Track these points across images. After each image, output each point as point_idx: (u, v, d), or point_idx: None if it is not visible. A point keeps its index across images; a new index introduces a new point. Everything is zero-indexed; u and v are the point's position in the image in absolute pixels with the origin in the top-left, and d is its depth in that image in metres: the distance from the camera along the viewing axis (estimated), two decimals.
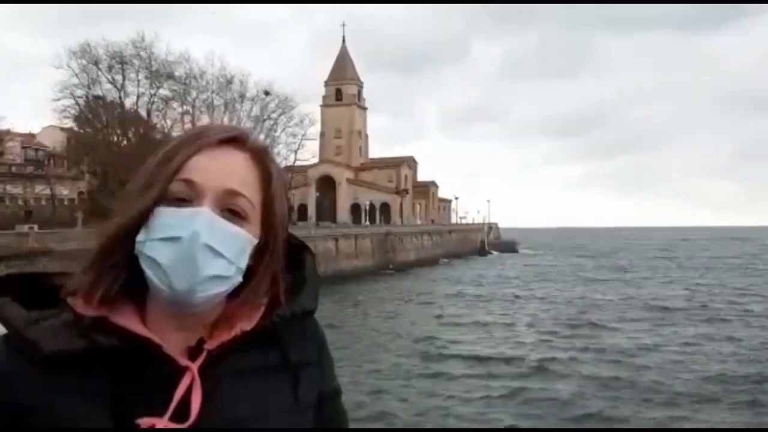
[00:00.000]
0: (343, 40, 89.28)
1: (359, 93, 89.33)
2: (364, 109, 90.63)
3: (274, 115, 58.80)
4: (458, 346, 20.07)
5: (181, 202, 0.82)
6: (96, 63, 46.05)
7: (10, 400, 0.81)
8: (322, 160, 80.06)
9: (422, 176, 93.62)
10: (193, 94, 50.95)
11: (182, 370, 0.83)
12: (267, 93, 56.92)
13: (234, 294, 0.87)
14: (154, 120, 48.92)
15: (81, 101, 47.19)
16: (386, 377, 16.00)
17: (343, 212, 77.44)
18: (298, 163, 64.61)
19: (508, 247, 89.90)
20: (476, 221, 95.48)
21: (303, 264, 0.97)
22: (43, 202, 47.89)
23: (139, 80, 47.70)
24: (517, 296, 33.59)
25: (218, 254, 0.81)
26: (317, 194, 75.74)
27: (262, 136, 58.64)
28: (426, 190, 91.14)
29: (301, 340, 0.95)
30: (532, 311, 27.90)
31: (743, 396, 13.93)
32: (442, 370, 16.70)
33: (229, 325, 0.87)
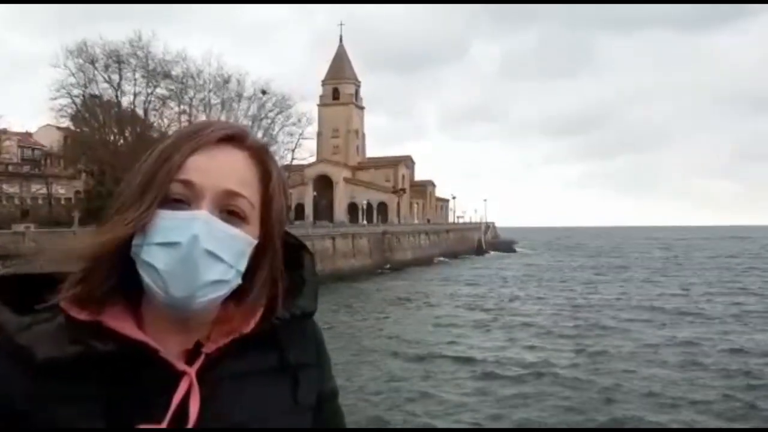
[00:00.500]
0: (341, 40, 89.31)
1: (357, 92, 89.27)
2: (362, 108, 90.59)
3: (271, 114, 58.83)
4: (454, 346, 20.07)
5: (179, 203, 0.80)
6: (93, 62, 46.04)
7: (3, 407, 0.79)
8: (319, 160, 79.97)
9: (421, 176, 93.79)
10: (190, 93, 50.95)
11: (180, 375, 0.81)
12: (264, 92, 56.91)
13: (232, 294, 0.84)
14: (151, 119, 48.90)
15: (78, 100, 47.16)
16: (384, 377, 15.99)
17: (340, 211, 77.41)
18: (295, 162, 64.71)
19: (505, 246, 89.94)
20: (474, 221, 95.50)
21: (301, 264, 0.95)
22: (40, 202, 47.83)
23: (135, 79, 47.72)
24: (513, 297, 33.52)
25: (218, 258, 0.79)
26: (314, 193, 75.73)
27: (259, 135, 58.73)
28: (423, 189, 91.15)
29: (300, 342, 0.94)
30: (529, 312, 27.87)
31: (741, 396, 13.97)
32: (440, 371, 16.70)
33: (227, 327, 0.85)
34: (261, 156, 0.86)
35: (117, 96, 47.59)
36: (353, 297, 34.29)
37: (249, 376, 0.86)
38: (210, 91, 52.81)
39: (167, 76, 48.38)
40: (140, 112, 48.25)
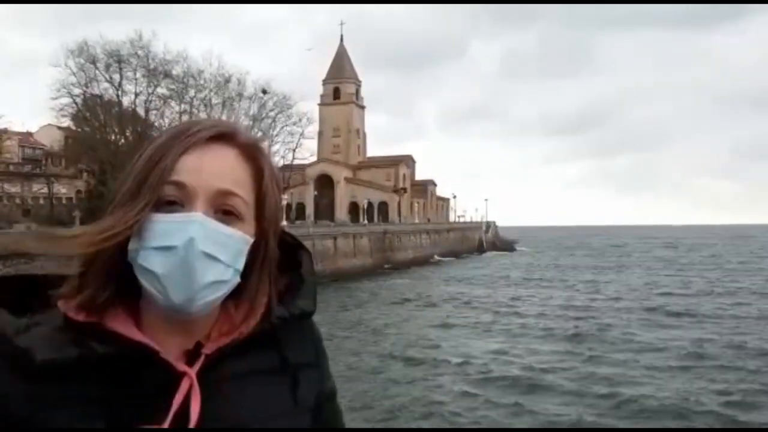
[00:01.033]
0: (341, 39, 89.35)
1: (357, 91, 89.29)
2: (362, 107, 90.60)
3: (272, 114, 58.95)
4: (454, 346, 20.02)
5: (173, 205, 0.79)
6: (93, 62, 46.02)
7: (3, 405, 0.78)
8: (320, 159, 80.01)
9: (421, 175, 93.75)
10: (191, 92, 50.98)
11: (180, 376, 0.80)
12: (264, 91, 56.96)
13: (231, 294, 0.84)
14: (152, 119, 48.88)
15: (78, 100, 47.16)
16: (384, 377, 15.97)
17: (341, 211, 77.43)
18: (296, 161, 64.79)
19: (506, 245, 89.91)
20: (474, 220, 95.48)
21: (299, 264, 0.95)
22: (41, 201, 47.87)
23: (136, 79, 47.71)
24: (514, 297, 33.37)
25: (215, 259, 0.78)
26: (315, 193, 75.73)
27: (260, 135, 58.79)
28: (424, 188, 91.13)
29: (300, 342, 0.94)
30: (529, 312, 27.79)
31: (743, 397, 13.96)
32: (440, 371, 16.67)
33: (227, 328, 0.86)
34: (252, 153, 0.85)
35: (118, 95, 47.64)
36: (354, 296, 34.27)
37: (249, 376, 0.86)
38: (211, 90, 52.91)
39: (168, 75, 48.41)
40: (141, 111, 48.28)
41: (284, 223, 48.89)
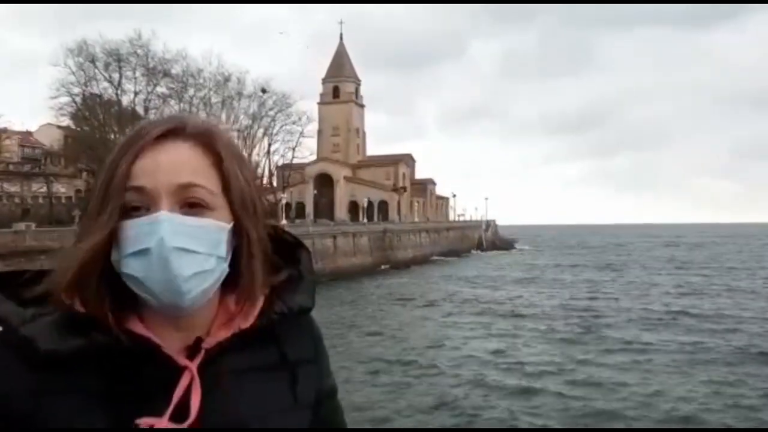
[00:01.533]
0: (341, 38, 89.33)
1: (357, 90, 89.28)
2: (362, 106, 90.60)
3: (271, 113, 58.99)
4: (453, 346, 20.01)
5: (139, 210, 0.80)
6: (93, 61, 46.03)
7: (4, 399, 0.79)
8: (319, 158, 80.00)
9: (421, 174, 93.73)
10: (191, 91, 51.03)
11: (181, 370, 0.82)
12: (264, 91, 57.04)
13: (230, 289, 0.86)
14: (152, 118, 48.81)
15: (78, 99, 47.19)
16: (383, 376, 15.98)
17: (340, 210, 77.42)
18: (295, 160, 64.80)
19: (506, 244, 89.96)
20: (474, 219, 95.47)
21: (298, 261, 0.96)
22: (41, 200, 47.85)
23: (136, 78, 47.74)
24: (514, 297, 33.28)
25: (191, 252, 0.79)
26: (315, 192, 75.72)
27: (260, 133, 58.88)
28: (424, 187, 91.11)
29: (298, 338, 0.95)
30: (529, 312, 27.73)
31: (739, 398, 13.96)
32: (439, 370, 16.65)
33: (226, 323, 0.87)
34: (206, 140, 0.84)
35: (117, 95, 47.67)
36: (353, 295, 34.28)
37: (249, 371, 0.87)
38: (210, 89, 52.99)
39: (167, 74, 48.44)
40: (140, 110, 48.23)
41: (284, 222, 48.97)
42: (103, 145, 44.81)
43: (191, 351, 0.83)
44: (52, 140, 54.37)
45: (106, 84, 47.22)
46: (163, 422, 0.78)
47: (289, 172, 65.71)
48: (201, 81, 51.73)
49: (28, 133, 59.63)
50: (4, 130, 49.81)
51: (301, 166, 73.37)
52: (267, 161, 61.11)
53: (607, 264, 57.77)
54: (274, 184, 63.39)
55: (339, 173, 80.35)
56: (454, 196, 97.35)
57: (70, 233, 28.88)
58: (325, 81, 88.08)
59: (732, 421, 12.27)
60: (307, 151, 68.11)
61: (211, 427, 0.82)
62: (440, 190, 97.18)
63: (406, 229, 63.76)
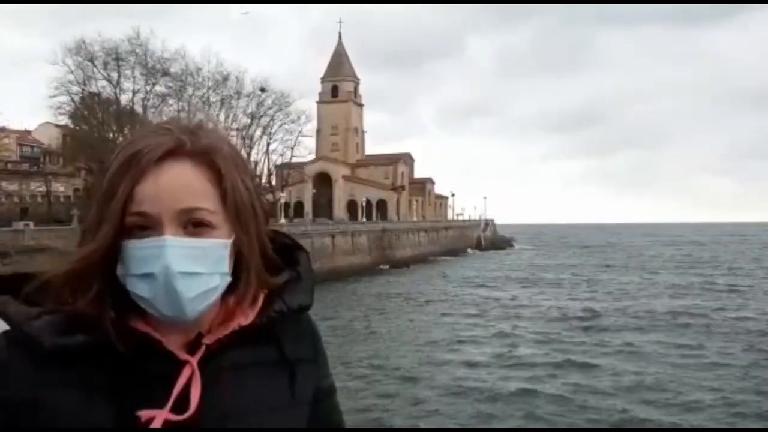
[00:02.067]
0: (339, 37, 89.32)
1: (355, 89, 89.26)
2: (361, 105, 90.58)
3: (270, 112, 58.91)
4: (452, 346, 20.03)
5: (144, 229, 0.82)
6: (91, 59, 45.99)
7: (10, 394, 0.82)
8: (318, 157, 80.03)
9: (420, 173, 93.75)
10: (189, 90, 50.99)
11: (181, 364, 0.84)
12: (263, 89, 56.99)
13: (231, 289, 0.88)
14: (150, 117, 48.84)
15: (76, 98, 47.15)
16: (382, 376, 16.01)
17: (339, 209, 77.43)
18: (294, 159, 64.71)
19: (505, 244, 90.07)
20: (473, 218, 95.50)
21: (297, 261, 0.98)
22: (39, 199, 47.82)
23: (134, 77, 47.70)
24: (512, 297, 33.23)
25: (196, 275, 0.82)
26: (314, 191, 75.70)
27: (258, 132, 58.86)
28: (422, 186, 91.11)
29: (298, 338, 0.97)
30: (529, 312, 27.70)
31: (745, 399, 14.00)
32: (437, 370, 16.69)
33: (227, 321, 0.89)
34: (207, 158, 0.85)
35: (116, 93, 47.63)
36: (352, 295, 34.32)
37: (248, 367, 0.89)
38: (209, 88, 52.93)
39: (166, 73, 48.40)
40: (139, 109, 48.24)
41: (283, 221, 49.01)
42: (102, 144, 44.88)
43: (192, 347, 0.86)
44: (50, 139, 54.39)
45: (104, 83, 47.28)
46: (164, 414, 0.81)
47: (287, 171, 65.68)
48: (200, 80, 51.76)
49: (27, 132, 59.64)
50: (3, 129, 49.78)
51: (300, 165, 73.31)
52: (266, 160, 61.15)
53: (607, 264, 57.76)
54: (273, 183, 63.37)
55: (338, 172, 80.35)
56: (453, 195, 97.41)
57: (69, 232, 28.90)
58: (323, 80, 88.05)
59: (732, 421, 12.33)
60: (305, 150, 68.13)
61: (210, 420, 0.84)
62: (439, 189, 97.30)
63: (404, 228, 63.79)
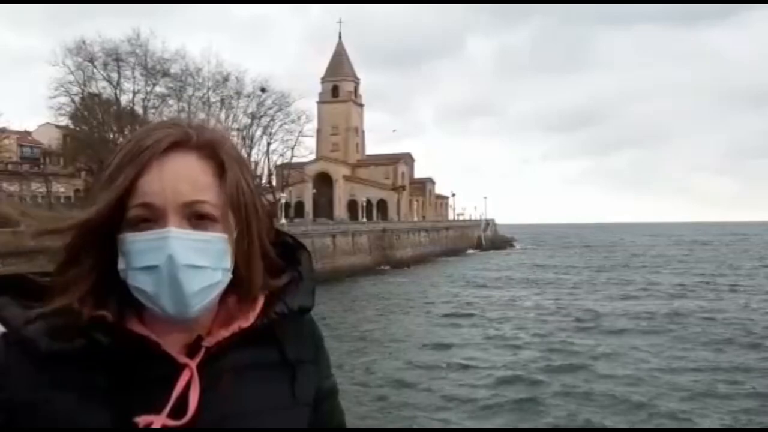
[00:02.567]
0: (340, 37, 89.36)
1: (356, 89, 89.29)
2: (361, 105, 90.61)
3: (270, 112, 58.75)
4: (452, 347, 19.96)
5: (146, 222, 0.81)
6: (91, 60, 45.91)
7: (9, 397, 0.81)
8: (318, 157, 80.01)
9: (420, 173, 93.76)
10: (189, 91, 50.87)
11: (181, 368, 0.83)
12: (263, 90, 56.90)
13: (232, 289, 0.88)
14: (150, 117, 48.78)
15: (77, 98, 47.08)
16: (382, 376, 15.98)
17: (340, 209, 77.45)
18: (294, 159, 64.59)
19: (505, 244, 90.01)
20: (474, 218, 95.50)
21: (299, 262, 0.97)
22: (40, 200, 47.78)
23: (134, 77, 47.61)
24: (513, 297, 33.11)
25: (199, 267, 0.81)
26: (314, 191, 75.71)
27: (259, 133, 58.81)
28: (423, 186, 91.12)
29: (299, 339, 0.96)
30: (526, 314, 27.50)
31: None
32: (438, 371, 16.64)
33: (227, 322, 0.88)
34: (211, 151, 0.85)
35: (116, 94, 47.56)
36: (352, 295, 34.28)
37: (249, 369, 0.89)
38: (209, 88, 52.81)
39: (166, 74, 48.33)
40: (139, 110, 48.19)
41: (283, 221, 48.96)
42: (103, 145, 44.87)
43: (191, 349, 0.85)
44: (50, 140, 54.32)
45: (104, 83, 47.16)
46: (161, 419, 0.80)
47: (288, 171, 65.61)
48: (200, 80, 51.68)
49: (27, 133, 59.53)
50: (3, 130, 49.67)
51: (301, 166, 73.23)
52: (266, 160, 61.04)
53: (609, 264, 57.38)
54: (273, 183, 63.30)
55: (338, 172, 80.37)
56: (454, 195, 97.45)
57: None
58: (324, 80, 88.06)
59: (732, 421, 12.30)
60: (306, 150, 67.94)
61: (209, 423, 0.83)
62: (439, 189, 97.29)
63: (405, 228, 63.74)
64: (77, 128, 49.49)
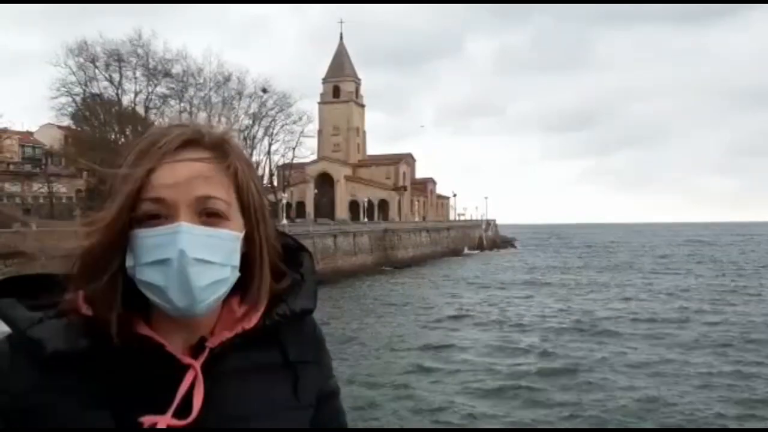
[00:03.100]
0: (341, 37, 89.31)
1: (357, 90, 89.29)
2: (362, 106, 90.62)
3: (272, 113, 58.88)
4: (452, 348, 19.93)
5: (157, 219, 0.82)
6: (93, 61, 46.01)
7: (13, 399, 0.82)
8: (320, 158, 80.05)
9: (421, 173, 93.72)
10: (191, 91, 50.95)
11: (185, 368, 0.84)
12: (265, 90, 56.96)
13: (235, 290, 0.89)
14: (152, 118, 48.87)
15: (78, 99, 47.15)
16: (382, 377, 15.99)
17: (341, 209, 77.47)
18: (296, 160, 64.74)
19: (506, 244, 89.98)
20: (475, 218, 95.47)
21: (300, 264, 0.98)
22: (41, 200, 47.86)
23: (136, 78, 47.72)
24: (514, 298, 33.09)
25: (209, 263, 0.82)
26: (315, 191, 75.74)
27: (260, 133, 58.85)
28: (424, 187, 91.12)
29: (301, 340, 0.97)
30: (527, 316, 27.43)
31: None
32: (438, 372, 16.62)
33: (230, 323, 0.89)
34: (222, 150, 0.87)
35: (117, 95, 47.66)
36: (354, 296, 34.28)
37: (252, 370, 0.90)
38: (210, 89, 52.88)
39: (168, 74, 48.40)
40: (141, 110, 48.25)
41: (284, 221, 48.98)
42: (104, 145, 44.91)
43: (195, 350, 0.86)
44: (52, 140, 54.32)
45: (106, 84, 47.27)
46: (166, 419, 0.80)
47: (289, 172, 65.69)
48: (201, 81, 51.75)
49: (29, 133, 59.59)
50: (5, 130, 49.74)
51: (302, 166, 73.36)
52: (267, 161, 61.12)
53: (611, 265, 57.12)
54: (275, 183, 63.38)
55: (339, 173, 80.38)
56: (455, 195, 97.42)
57: (71, 234, 28.88)
58: (325, 81, 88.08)
59: (732, 422, 12.30)
60: (307, 151, 68.12)
61: (213, 424, 0.84)
62: (441, 189, 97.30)
63: (406, 228, 63.73)
64: (79, 129, 49.58)
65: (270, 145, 60.53)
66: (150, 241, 0.81)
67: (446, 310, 28.61)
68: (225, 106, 53.93)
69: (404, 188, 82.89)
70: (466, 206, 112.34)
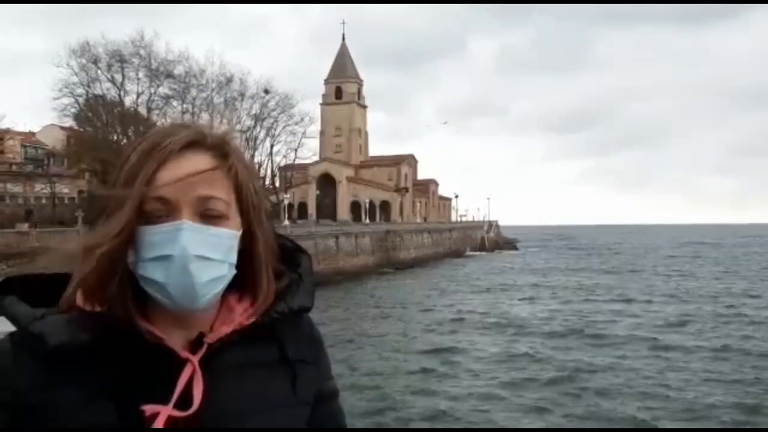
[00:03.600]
0: (343, 38, 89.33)
1: (359, 91, 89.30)
2: (364, 107, 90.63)
3: (274, 114, 58.91)
4: (452, 348, 19.89)
5: (159, 218, 0.85)
6: (95, 61, 46.01)
7: (17, 395, 0.84)
8: (322, 159, 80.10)
9: (423, 174, 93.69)
10: (193, 92, 50.98)
11: (183, 363, 0.86)
12: (267, 91, 57.00)
13: (234, 287, 0.91)
14: (154, 119, 48.88)
15: (81, 100, 47.17)
16: (383, 377, 15.98)
17: (343, 210, 77.49)
18: (298, 161, 64.78)
19: (508, 245, 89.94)
20: (476, 219, 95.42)
21: (299, 264, 1.00)
22: (44, 201, 47.92)
23: (138, 79, 47.70)
24: (515, 299, 33.06)
25: (209, 260, 0.85)
26: (317, 192, 75.74)
27: (262, 134, 58.88)
28: (426, 188, 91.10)
29: (299, 340, 0.99)
30: (529, 315, 27.50)
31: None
32: (438, 372, 16.61)
33: (228, 319, 0.91)
34: (224, 152, 0.90)
35: (120, 95, 47.65)
36: (355, 297, 34.26)
37: (249, 367, 0.92)
38: (213, 90, 52.89)
39: (170, 75, 48.40)
40: (143, 111, 48.26)
41: (286, 222, 48.95)
42: (106, 146, 44.94)
43: (194, 346, 0.88)
44: (55, 141, 54.42)
45: (108, 85, 47.26)
46: (168, 409, 0.82)
47: (291, 173, 65.73)
48: (203, 82, 51.76)
49: (31, 134, 59.71)
50: (7, 131, 49.91)
51: (304, 167, 73.40)
52: (269, 162, 61.15)
53: (613, 267, 56.76)
54: (277, 184, 63.39)
55: (341, 174, 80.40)
56: (457, 196, 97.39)
57: (73, 234, 28.89)
58: (327, 81, 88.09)
59: (733, 423, 12.27)
60: (309, 152, 68.17)
61: (211, 418, 0.86)
62: (443, 190, 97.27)
63: (408, 229, 63.71)
64: (81, 129, 49.61)
65: (272, 146, 60.63)
66: (153, 237, 0.84)
67: (448, 312, 28.49)
68: (227, 107, 53.98)
69: (406, 189, 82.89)
70: (468, 207, 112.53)
